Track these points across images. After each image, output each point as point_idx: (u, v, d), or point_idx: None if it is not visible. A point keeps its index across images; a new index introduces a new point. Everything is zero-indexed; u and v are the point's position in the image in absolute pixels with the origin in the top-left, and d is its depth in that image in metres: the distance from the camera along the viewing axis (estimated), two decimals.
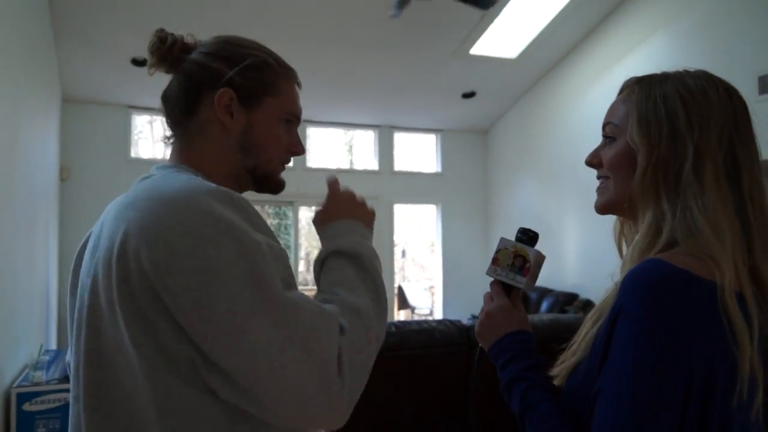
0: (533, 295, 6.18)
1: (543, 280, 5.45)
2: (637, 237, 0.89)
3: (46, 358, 3.36)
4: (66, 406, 2.78)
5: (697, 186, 0.84)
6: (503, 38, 5.70)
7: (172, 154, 1.01)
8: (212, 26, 4.89)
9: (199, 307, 0.72)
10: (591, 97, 5.93)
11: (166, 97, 1.00)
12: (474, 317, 5.32)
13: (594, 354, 0.83)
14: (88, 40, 5.11)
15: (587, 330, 0.90)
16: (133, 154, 6.67)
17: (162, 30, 1.00)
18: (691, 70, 0.92)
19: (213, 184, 0.83)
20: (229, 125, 0.97)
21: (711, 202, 0.82)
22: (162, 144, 1.05)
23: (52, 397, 2.76)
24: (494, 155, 8.15)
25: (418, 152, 8.46)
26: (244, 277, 0.74)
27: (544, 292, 6.13)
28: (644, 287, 0.77)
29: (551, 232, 6.51)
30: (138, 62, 5.42)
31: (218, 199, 0.79)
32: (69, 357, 1.01)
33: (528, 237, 1.03)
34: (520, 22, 5.46)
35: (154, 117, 6.86)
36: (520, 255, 1.01)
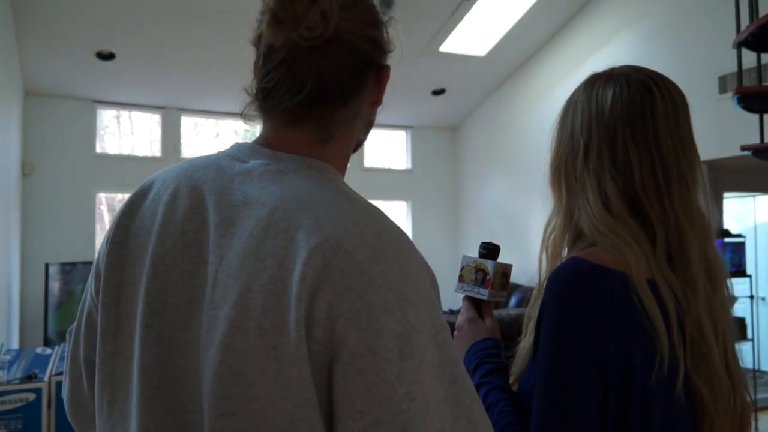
0: None
1: (512, 276, 5.49)
2: (548, 230, 0.96)
3: (7, 357, 3.29)
4: (28, 405, 2.73)
5: (588, 182, 0.89)
6: (473, 36, 5.74)
7: (292, 142, 0.75)
8: (179, 17, 4.82)
9: (376, 377, 0.58)
10: (558, 95, 6.00)
11: (296, 77, 0.72)
12: (443, 312, 5.38)
13: (531, 354, 0.88)
14: (52, 32, 4.99)
15: (525, 341, 0.97)
16: (98, 150, 6.54)
17: None
18: (627, 65, 0.95)
19: (410, 239, 0.69)
20: (378, 105, 0.82)
21: (597, 199, 0.87)
22: (244, 121, 0.79)
23: (13, 397, 2.70)
24: (464, 152, 8.21)
25: (388, 149, 8.46)
26: (435, 363, 0.62)
27: (512, 287, 6.21)
28: (561, 285, 0.82)
29: (519, 227, 6.59)
30: (103, 56, 5.32)
31: (423, 266, 0.68)
32: (82, 353, 0.82)
33: (488, 251, 1.09)
34: (489, 21, 5.50)
35: (121, 112, 6.73)
36: (480, 269, 1.07)
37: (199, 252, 0.68)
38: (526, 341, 0.95)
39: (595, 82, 0.93)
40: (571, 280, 0.82)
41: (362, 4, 0.76)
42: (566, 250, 0.93)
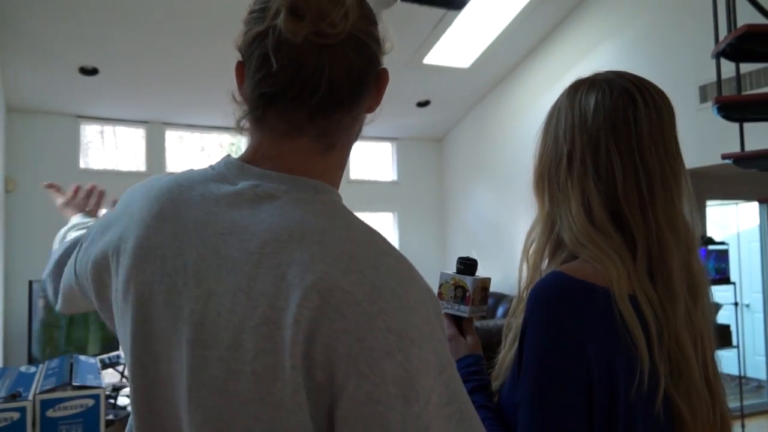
0: (490, 301, 6.25)
1: (498, 286, 5.41)
2: (529, 240, 0.94)
3: None
4: (12, 425, 2.68)
5: (571, 191, 0.87)
6: (456, 48, 5.78)
7: (289, 154, 0.69)
8: (162, 32, 4.81)
9: (378, 426, 0.55)
10: (541, 106, 6.04)
11: (307, 80, 0.66)
12: None
13: (513, 370, 0.87)
14: (34, 47, 4.96)
15: (505, 352, 0.95)
16: (82, 165, 6.49)
17: None
18: (611, 71, 0.94)
19: (411, 265, 0.65)
20: (373, 110, 0.76)
21: (580, 209, 0.85)
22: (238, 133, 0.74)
23: None
24: (449, 163, 8.24)
25: (374, 161, 8.48)
26: (442, 402, 0.58)
27: (500, 297, 6.22)
28: (543, 301, 0.81)
29: (505, 237, 6.61)
30: (86, 71, 5.29)
31: (425, 294, 0.63)
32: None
33: (466, 266, 1.06)
34: (471, 33, 5.55)
35: (105, 127, 6.69)
36: (460, 286, 1.04)
37: (174, 281, 0.64)
38: (505, 353, 0.93)
39: (578, 88, 0.92)
40: (554, 297, 0.80)
41: (366, 0, 0.72)
42: (546, 261, 0.92)
